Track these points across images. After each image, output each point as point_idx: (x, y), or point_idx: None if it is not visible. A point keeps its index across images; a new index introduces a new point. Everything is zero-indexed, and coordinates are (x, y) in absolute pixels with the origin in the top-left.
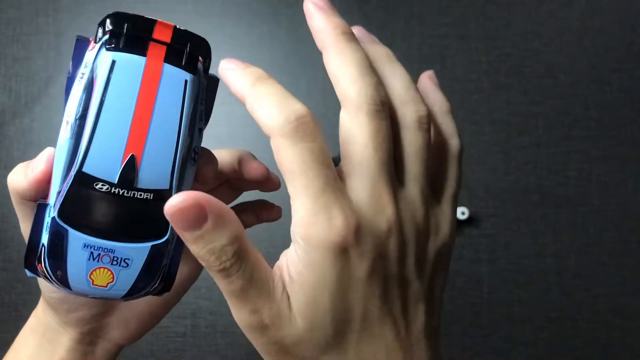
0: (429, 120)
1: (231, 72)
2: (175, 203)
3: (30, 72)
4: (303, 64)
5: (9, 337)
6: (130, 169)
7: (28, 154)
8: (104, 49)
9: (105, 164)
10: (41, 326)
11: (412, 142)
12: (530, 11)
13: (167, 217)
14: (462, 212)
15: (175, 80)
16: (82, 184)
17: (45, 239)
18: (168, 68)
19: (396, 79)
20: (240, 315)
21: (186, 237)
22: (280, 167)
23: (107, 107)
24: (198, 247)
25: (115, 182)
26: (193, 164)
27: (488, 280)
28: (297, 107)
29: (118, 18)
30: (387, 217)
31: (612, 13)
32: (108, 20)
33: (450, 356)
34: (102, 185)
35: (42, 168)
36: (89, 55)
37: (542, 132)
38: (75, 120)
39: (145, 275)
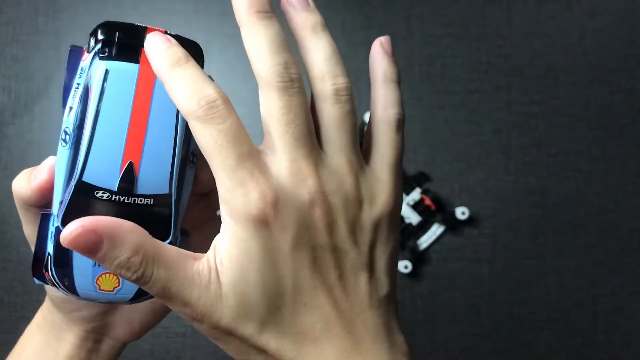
0: (349, 92)
1: (154, 50)
2: (67, 234)
3: (30, 72)
4: (303, 63)
5: (9, 337)
6: (129, 176)
7: (28, 154)
8: (97, 59)
9: (104, 173)
10: (47, 324)
11: (331, 114)
12: (530, 11)
13: (64, 245)
14: (462, 212)
15: None
16: (83, 193)
17: (50, 248)
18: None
19: (317, 51)
20: (175, 310)
21: (92, 258)
22: (201, 151)
23: (102, 116)
24: (107, 265)
25: (115, 189)
26: (192, 166)
27: (488, 280)
28: (208, 92)
29: (109, 27)
30: (309, 188)
31: (612, 13)
32: (99, 30)
33: (451, 356)
34: (102, 193)
35: (44, 177)
36: (83, 64)
37: (542, 132)
38: (73, 130)
39: None
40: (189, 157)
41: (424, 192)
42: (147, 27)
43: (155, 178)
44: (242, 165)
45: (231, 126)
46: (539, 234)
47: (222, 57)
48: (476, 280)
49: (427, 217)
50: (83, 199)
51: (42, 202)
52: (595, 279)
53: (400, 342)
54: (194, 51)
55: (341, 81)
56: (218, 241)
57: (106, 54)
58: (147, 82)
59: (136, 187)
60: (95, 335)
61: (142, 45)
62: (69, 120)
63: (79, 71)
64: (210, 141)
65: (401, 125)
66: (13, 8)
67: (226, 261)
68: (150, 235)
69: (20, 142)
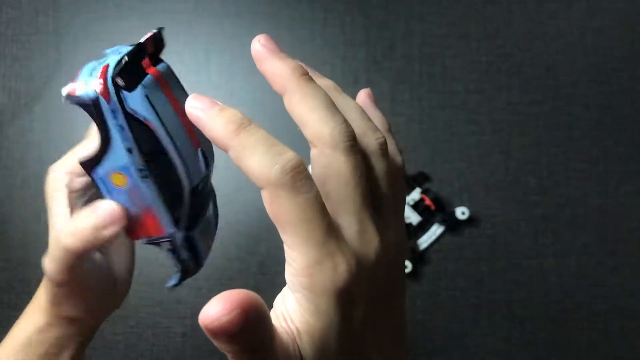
0: (387, 146)
1: (206, 115)
2: (218, 315)
3: (30, 72)
4: (303, 63)
5: None
6: (206, 161)
7: (28, 154)
8: (126, 92)
9: (197, 170)
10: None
11: (380, 168)
12: (531, 11)
13: (204, 329)
14: (462, 212)
15: (169, 73)
16: (194, 195)
17: (185, 255)
18: (160, 67)
19: (351, 110)
20: None
21: (220, 340)
22: (276, 218)
23: (171, 130)
24: (231, 347)
25: (203, 175)
26: None
27: (488, 280)
28: (289, 156)
29: (121, 67)
30: (375, 249)
31: (612, 13)
32: (116, 76)
33: (451, 356)
34: (202, 185)
35: (119, 224)
36: (112, 107)
37: (542, 132)
38: (144, 164)
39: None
40: None
41: (424, 192)
42: (131, 48)
43: (211, 157)
44: (330, 237)
45: (317, 195)
46: (539, 234)
47: (222, 57)
48: (476, 280)
49: (427, 217)
50: (195, 200)
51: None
52: (595, 279)
53: None
54: (155, 41)
55: (380, 135)
56: (289, 310)
57: (132, 84)
58: (164, 82)
59: (208, 165)
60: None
61: (138, 62)
62: (134, 159)
63: (110, 114)
64: (299, 212)
65: (404, 170)
66: (13, 8)
67: (305, 335)
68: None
69: (20, 142)
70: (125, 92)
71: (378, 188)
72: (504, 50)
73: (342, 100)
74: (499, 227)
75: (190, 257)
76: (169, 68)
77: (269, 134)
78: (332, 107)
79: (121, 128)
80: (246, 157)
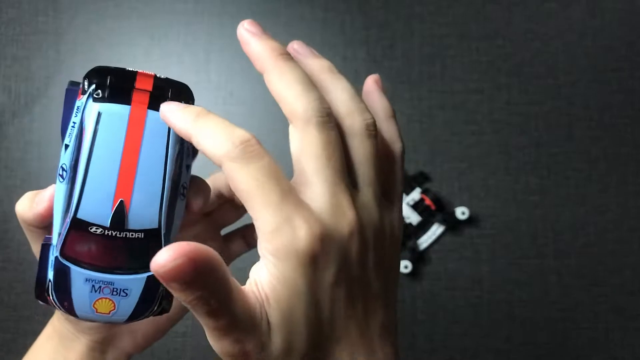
0: (375, 127)
1: (172, 113)
2: (164, 262)
3: (30, 72)
4: None
5: (9, 337)
6: (120, 213)
7: (28, 154)
8: (91, 100)
9: (97, 210)
10: (56, 334)
11: (362, 149)
12: (531, 11)
13: (155, 275)
14: (462, 212)
15: (159, 125)
16: (78, 228)
17: (51, 275)
18: (152, 114)
19: (340, 90)
20: (222, 346)
21: (174, 287)
22: (236, 190)
23: (95, 157)
24: (186, 295)
25: (108, 225)
26: (183, 198)
27: (488, 280)
28: (239, 132)
29: (101, 71)
30: (349, 222)
31: (612, 13)
32: (92, 74)
33: (451, 356)
34: (96, 228)
35: (44, 205)
36: (79, 103)
37: (542, 132)
38: (69, 167)
39: (143, 302)
40: (180, 190)
41: (424, 192)
42: (137, 71)
43: (145, 214)
44: (286, 201)
45: (270, 163)
46: (539, 234)
47: (222, 57)
48: (476, 280)
49: (427, 217)
50: (79, 233)
51: (43, 225)
52: (595, 279)
53: None
54: (184, 92)
55: (369, 117)
56: (259, 277)
57: (99, 97)
58: (138, 123)
59: (127, 223)
60: (101, 345)
61: (134, 88)
62: (65, 157)
63: (75, 110)
64: (252, 180)
65: (404, 157)
66: (13, 8)
67: (273, 300)
68: (226, 265)
69: (20, 142)
70: (94, 100)
71: (359, 167)
72: (504, 50)
73: (332, 80)
74: (499, 227)
75: (52, 280)
76: (161, 123)
77: (225, 120)
78: (308, 84)
79: (73, 124)
80: (204, 138)
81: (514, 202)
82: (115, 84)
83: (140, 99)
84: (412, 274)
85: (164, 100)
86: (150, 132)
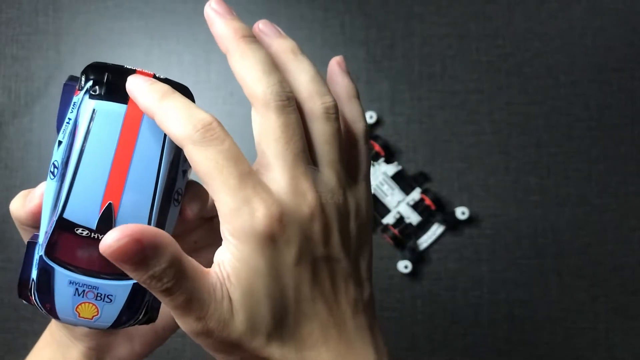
0: (336, 110)
1: (137, 88)
2: (110, 242)
3: (30, 72)
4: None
5: (9, 337)
6: (108, 216)
7: (28, 154)
8: (87, 97)
9: (84, 212)
10: (54, 341)
11: (322, 131)
12: (531, 11)
13: (104, 255)
14: (462, 212)
15: (155, 127)
16: (64, 228)
17: (34, 274)
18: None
19: (301, 72)
20: (185, 324)
21: (125, 267)
22: (197, 173)
23: (86, 155)
24: (139, 275)
25: (94, 228)
26: (176, 205)
27: (488, 280)
28: (202, 116)
29: (99, 68)
30: (309, 202)
31: (612, 13)
32: (90, 70)
33: (451, 356)
34: (82, 230)
35: (36, 202)
36: (75, 99)
37: (542, 132)
38: (61, 164)
39: (128, 309)
40: (174, 196)
41: (424, 192)
42: (135, 70)
43: (134, 218)
44: (245, 184)
45: (230, 146)
46: (539, 234)
47: (222, 57)
48: (476, 280)
49: (427, 217)
50: (64, 234)
51: (36, 224)
52: (595, 279)
53: (382, 344)
54: (184, 94)
55: (329, 99)
56: (221, 258)
57: (96, 93)
58: (133, 124)
59: (114, 227)
60: (97, 353)
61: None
62: (58, 154)
63: (71, 106)
64: (211, 162)
65: (368, 135)
66: (13, 8)
67: (234, 279)
68: (179, 246)
69: (20, 142)
70: (90, 97)
71: (320, 149)
72: (504, 50)
73: (294, 62)
74: (499, 227)
75: (36, 279)
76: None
77: (189, 101)
78: (270, 66)
79: (68, 120)
80: (167, 120)
81: (514, 202)
82: (112, 82)
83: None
84: (412, 274)
85: None
86: (145, 133)
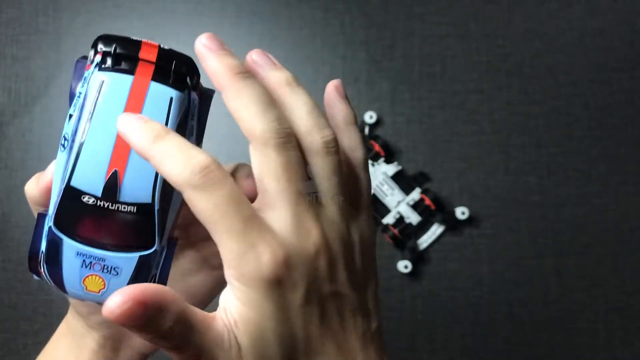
0: (335, 143)
1: (130, 128)
2: (113, 308)
3: (30, 72)
4: (303, 64)
5: (9, 337)
6: (113, 183)
7: (28, 154)
8: (96, 70)
9: (90, 179)
10: (70, 331)
11: (323, 166)
12: (531, 11)
13: (108, 319)
14: (462, 212)
15: (160, 97)
16: (71, 196)
17: (44, 246)
18: (154, 86)
19: (299, 106)
20: None
21: (132, 330)
22: (198, 218)
23: (93, 125)
24: (146, 336)
25: (100, 195)
26: None
27: (488, 280)
28: (200, 158)
29: (107, 39)
30: (313, 240)
31: (612, 13)
32: (98, 42)
33: (451, 356)
34: (88, 198)
35: (47, 179)
36: (86, 74)
37: (542, 132)
38: (71, 136)
39: (135, 283)
40: None
41: (424, 192)
42: (142, 41)
43: (138, 187)
44: (249, 228)
45: (231, 190)
46: (539, 234)
47: None
48: (476, 280)
49: (427, 217)
50: (71, 203)
51: (49, 204)
52: (595, 279)
53: None
54: (189, 65)
55: (328, 133)
56: (227, 302)
57: (105, 65)
58: (140, 94)
59: (120, 194)
60: (112, 342)
61: (139, 58)
62: (68, 127)
63: (82, 80)
64: (214, 208)
65: (367, 163)
66: (13, 8)
67: (241, 325)
68: (182, 300)
69: (20, 142)
70: (99, 70)
71: (322, 183)
72: (504, 50)
73: (291, 96)
74: (499, 227)
75: (45, 251)
76: (162, 95)
77: (184, 141)
78: (266, 103)
79: (79, 94)
80: (162, 164)
81: (514, 202)
82: (119, 53)
83: (144, 69)
84: (412, 274)
85: (168, 72)
86: (150, 104)
